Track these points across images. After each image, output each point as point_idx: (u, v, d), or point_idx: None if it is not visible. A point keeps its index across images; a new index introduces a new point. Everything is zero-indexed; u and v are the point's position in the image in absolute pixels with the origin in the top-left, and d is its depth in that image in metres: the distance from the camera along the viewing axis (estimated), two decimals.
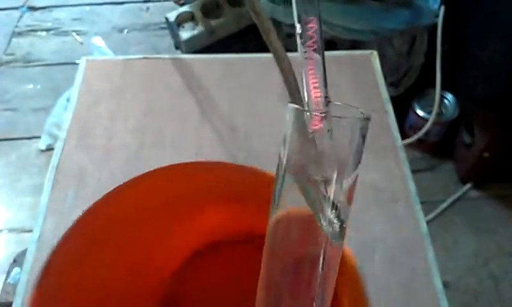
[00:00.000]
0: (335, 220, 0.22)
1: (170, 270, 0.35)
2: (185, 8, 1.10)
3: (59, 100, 1.18)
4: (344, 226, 0.23)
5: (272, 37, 0.19)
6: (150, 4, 1.48)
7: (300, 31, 0.20)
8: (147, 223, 0.30)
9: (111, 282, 0.30)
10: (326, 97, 0.20)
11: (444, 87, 1.01)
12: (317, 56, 0.20)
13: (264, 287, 0.24)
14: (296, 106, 0.21)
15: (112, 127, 0.46)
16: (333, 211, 0.22)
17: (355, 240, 0.38)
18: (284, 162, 0.22)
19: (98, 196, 0.41)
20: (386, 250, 0.38)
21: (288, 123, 0.21)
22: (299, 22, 0.19)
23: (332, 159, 0.21)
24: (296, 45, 0.19)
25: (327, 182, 0.21)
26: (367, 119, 0.21)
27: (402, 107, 1.06)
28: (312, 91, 0.20)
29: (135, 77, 0.50)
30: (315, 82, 0.20)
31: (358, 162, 0.21)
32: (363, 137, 0.21)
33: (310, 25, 0.19)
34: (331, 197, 0.21)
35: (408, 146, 1.05)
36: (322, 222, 0.22)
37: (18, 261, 0.86)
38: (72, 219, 0.39)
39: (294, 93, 0.21)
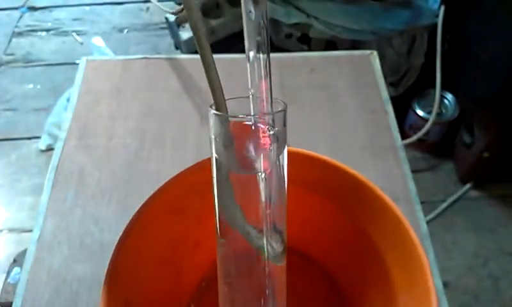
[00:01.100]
0: (277, 245, 0.21)
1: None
2: None
3: (59, 100, 1.18)
4: (284, 247, 0.22)
5: (202, 40, 0.19)
6: (150, 4, 1.48)
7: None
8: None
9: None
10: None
11: (444, 87, 1.01)
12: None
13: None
14: (218, 112, 0.20)
15: (112, 127, 0.46)
16: (275, 234, 0.21)
17: None
18: (214, 169, 0.21)
19: (98, 195, 0.41)
20: None
21: (212, 129, 0.20)
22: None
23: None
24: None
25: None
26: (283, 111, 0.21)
27: (402, 107, 1.06)
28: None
29: (135, 77, 0.50)
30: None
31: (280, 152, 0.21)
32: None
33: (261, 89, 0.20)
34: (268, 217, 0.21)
35: (408, 146, 1.05)
36: (264, 249, 0.21)
37: (18, 261, 0.85)
38: (72, 219, 0.40)
39: (218, 95, 0.20)
